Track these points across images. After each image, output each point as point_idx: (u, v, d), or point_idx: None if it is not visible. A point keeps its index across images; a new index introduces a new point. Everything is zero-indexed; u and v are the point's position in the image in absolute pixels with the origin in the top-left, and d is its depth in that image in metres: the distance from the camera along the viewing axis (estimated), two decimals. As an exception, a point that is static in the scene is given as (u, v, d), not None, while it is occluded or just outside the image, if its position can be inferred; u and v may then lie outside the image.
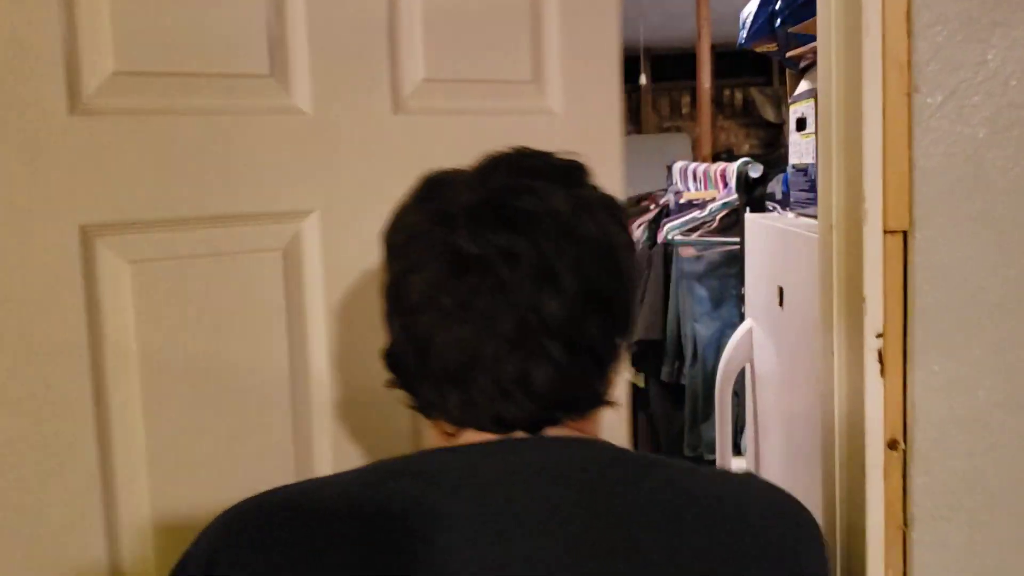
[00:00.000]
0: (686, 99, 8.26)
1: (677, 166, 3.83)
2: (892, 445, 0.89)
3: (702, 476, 0.70)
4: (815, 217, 1.71)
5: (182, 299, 0.94)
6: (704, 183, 3.35)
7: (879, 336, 0.87)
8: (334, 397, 1.06)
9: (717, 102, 8.08)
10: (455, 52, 1.15)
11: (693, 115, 8.21)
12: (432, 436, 0.72)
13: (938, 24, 0.83)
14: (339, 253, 1.06)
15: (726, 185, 3.08)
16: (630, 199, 4.06)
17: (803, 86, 1.77)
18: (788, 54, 1.64)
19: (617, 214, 0.70)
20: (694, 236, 2.97)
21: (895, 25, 0.83)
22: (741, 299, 2.86)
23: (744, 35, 1.73)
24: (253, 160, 1.00)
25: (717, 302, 2.99)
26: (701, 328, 2.99)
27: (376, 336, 0.96)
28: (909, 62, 0.84)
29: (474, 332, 0.63)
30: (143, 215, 0.92)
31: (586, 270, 0.65)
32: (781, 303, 1.58)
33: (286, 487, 0.68)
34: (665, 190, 4.00)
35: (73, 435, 0.87)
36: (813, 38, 1.67)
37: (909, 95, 0.84)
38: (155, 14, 0.92)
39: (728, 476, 0.72)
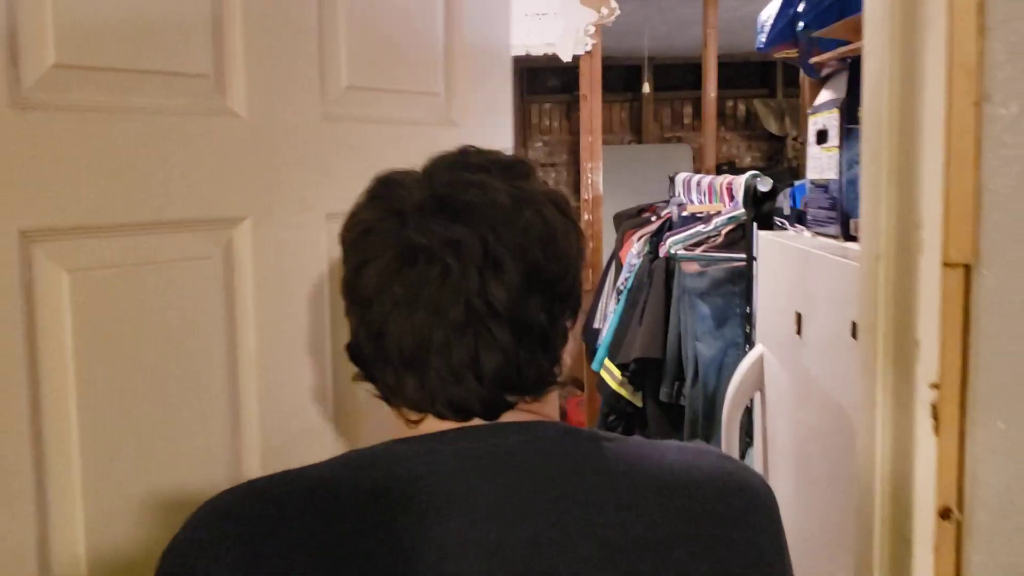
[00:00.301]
0: (688, 109, 8.14)
1: (680, 177, 3.70)
2: (945, 515, 0.76)
3: (654, 448, 0.74)
4: (835, 237, 1.59)
5: (120, 310, 0.91)
6: (709, 196, 3.22)
7: (934, 387, 0.74)
8: (267, 405, 1.07)
9: (719, 113, 7.95)
10: (376, 63, 1.21)
11: (695, 125, 8.09)
12: (396, 425, 0.75)
13: (1017, 20, 0.70)
14: (270, 260, 1.07)
15: (732, 199, 2.95)
16: (630, 210, 3.94)
17: (824, 95, 1.64)
18: (811, 60, 1.51)
19: (559, 203, 0.75)
20: (698, 251, 2.84)
21: (963, 20, 0.70)
22: (746, 318, 2.73)
23: (763, 40, 1.61)
24: (191, 164, 0.98)
25: (720, 321, 2.86)
26: (703, 348, 2.85)
27: (305, 340, 1.06)
28: (979, 65, 0.71)
29: (425, 319, 0.67)
30: (84, 220, 0.88)
31: (528, 256, 0.69)
32: (799, 331, 1.44)
33: (267, 477, 0.71)
34: (667, 201, 3.87)
35: (5, 450, 0.82)
36: (838, 43, 1.55)
37: (978, 104, 0.71)
38: (98, 5, 0.88)
39: (683, 448, 0.76)
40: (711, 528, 0.69)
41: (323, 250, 1.17)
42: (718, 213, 2.95)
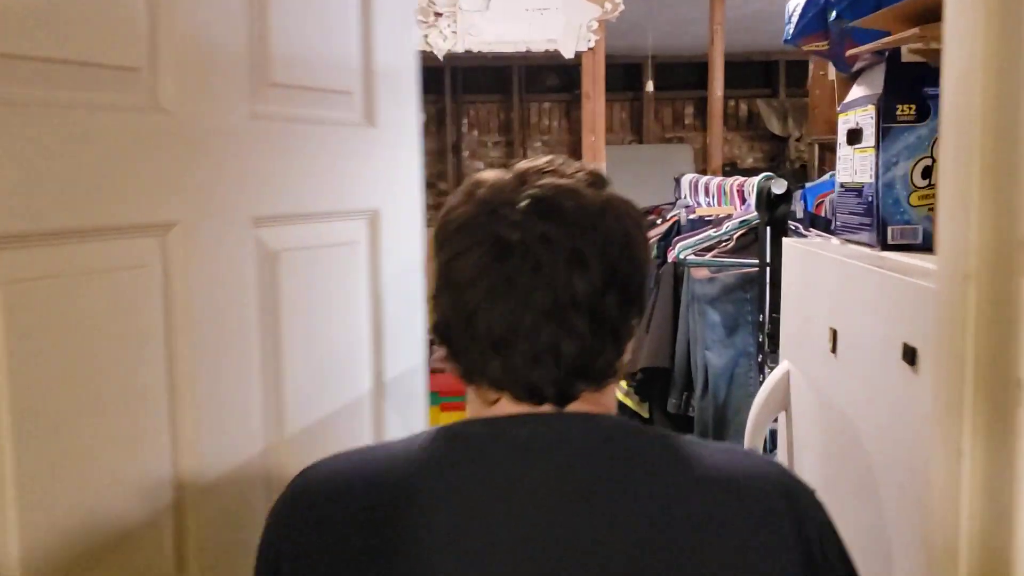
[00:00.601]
0: (689, 109, 8.02)
1: (686, 179, 3.58)
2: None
3: (703, 447, 0.81)
4: (870, 246, 1.46)
5: (54, 326, 0.88)
6: (718, 198, 3.10)
7: (1040, 436, 0.61)
8: (205, 417, 1.05)
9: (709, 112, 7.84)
10: (300, 60, 1.20)
11: (696, 125, 7.98)
12: (474, 404, 0.82)
13: None
14: (203, 268, 1.04)
15: (744, 201, 2.83)
16: (634, 212, 3.80)
17: (857, 92, 1.51)
18: (848, 52, 1.38)
19: (633, 214, 0.82)
20: (708, 256, 2.71)
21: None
22: (759, 326, 2.61)
23: (790, 31, 1.48)
24: (121, 164, 0.93)
25: (731, 329, 2.74)
26: (713, 357, 2.73)
27: (238, 350, 1.13)
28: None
29: (515, 305, 0.75)
30: (11, 227, 0.83)
31: (608, 257, 0.77)
32: (834, 348, 1.32)
33: (347, 454, 0.84)
34: (672, 203, 3.75)
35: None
36: (875, 35, 1.42)
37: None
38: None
39: (732, 449, 0.84)
40: (750, 525, 0.75)
41: (251, 256, 1.13)
42: (728, 216, 2.82)
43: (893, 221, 1.38)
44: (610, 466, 0.77)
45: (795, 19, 1.49)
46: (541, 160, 0.84)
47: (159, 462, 1.01)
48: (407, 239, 1.48)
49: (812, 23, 1.47)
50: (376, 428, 1.40)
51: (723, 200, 3.07)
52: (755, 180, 2.65)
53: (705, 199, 3.27)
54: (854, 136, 1.49)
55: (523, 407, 0.79)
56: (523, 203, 0.77)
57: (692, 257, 2.68)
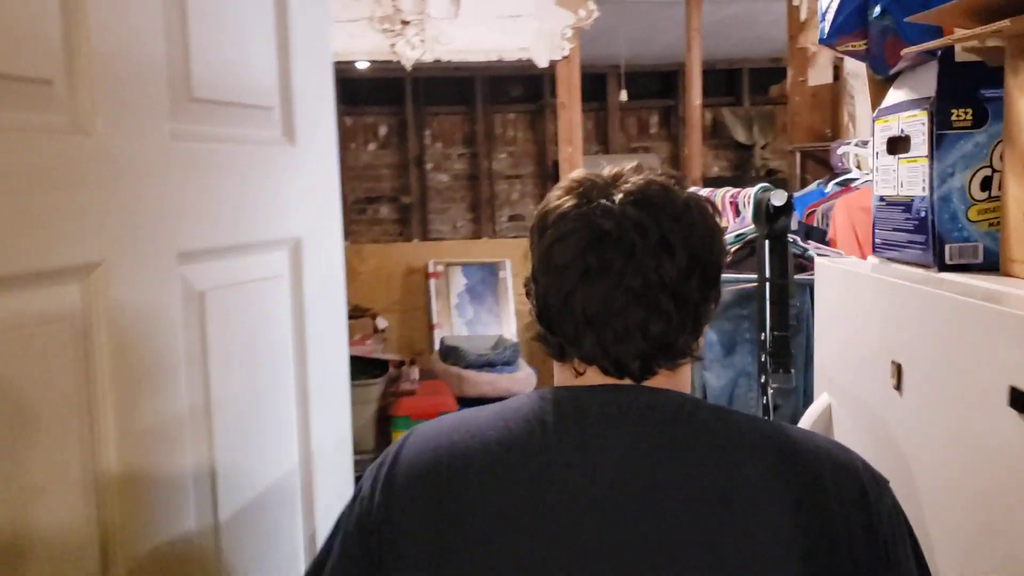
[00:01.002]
0: (655, 119, 7.94)
1: (668, 190, 3.45)
2: None
3: (767, 422, 0.90)
4: (924, 266, 1.32)
5: None
6: (707, 210, 2.97)
7: None
8: (129, 484, 0.94)
9: (685, 121, 7.76)
10: (220, 73, 1.11)
11: (662, 135, 7.89)
12: (561, 376, 0.92)
13: None
14: (127, 313, 0.93)
15: (738, 214, 2.70)
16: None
17: (898, 95, 1.38)
18: (903, 51, 1.24)
19: (711, 210, 0.92)
20: (704, 272, 2.57)
21: None
22: (760, 345, 2.48)
23: (826, 29, 1.34)
24: (40, 197, 0.80)
25: (729, 348, 2.61)
26: (711, 377, 2.60)
27: (168, 407, 0.99)
28: None
29: (609, 287, 0.85)
30: None
31: (692, 245, 0.86)
32: (898, 385, 1.17)
33: (450, 418, 0.94)
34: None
35: None
36: (924, 33, 1.29)
37: None
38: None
39: (792, 427, 0.90)
40: (800, 492, 0.81)
41: (177, 298, 1.01)
42: (724, 229, 2.69)
43: (951, 239, 1.25)
44: (678, 432, 0.85)
45: (829, 17, 1.35)
46: (630, 164, 0.93)
47: (81, 520, 0.91)
48: (329, 268, 1.37)
49: (849, 21, 1.33)
50: (305, 480, 1.31)
51: (713, 212, 2.94)
52: (751, 191, 2.51)
53: (691, 211, 3.14)
54: (898, 144, 1.35)
55: (608, 379, 0.89)
56: (618, 196, 0.87)
57: (688, 274, 2.54)
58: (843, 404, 1.39)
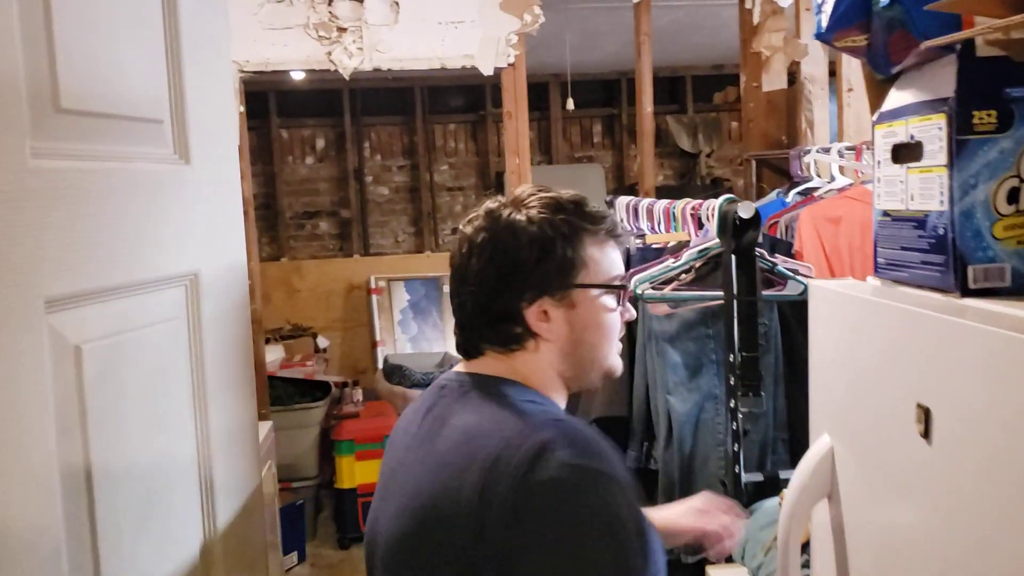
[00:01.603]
0: (598, 127, 7.82)
1: (622, 201, 3.28)
2: None
3: (487, 410, 1.11)
4: (945, 291, 1.15)
5: None
6: (666, 223, 2.81)
7: None
8: None
9: (628, 130, 7.66)
10: (95, 80, 0.94)
11: (606, 144, 7.78)
12: None
13: None
14: None
15: (701, 226, 2.55)
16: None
17: (903, 96, 1.22)
18: (926, 45, 1.08)
19: (500, 226, 1.17)
20: (667, 290, 2.41)
21: None
22: (728, 366, 2.32)
23: (823, 23, 1.18)
24: None
25: (694, 370, 2.45)
26: (676, 402, 2.43)
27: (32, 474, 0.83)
28: None
29: (452, 290, 1.21)
30: None
31: (482, 251, 1.17)
32: (927, 432, 1.00)
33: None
34: (606, 229, 3.46)
35: None
36: (946, 27, 1.14)
37: None
38: None
39: (502, 416, 1.09)
40: (482, 466, 1.01)
41: (45, 354, 0.82)
42: (686, 244, 2.54)
43: (974, 259, 1.09)
44: (455, 404, 1.13)
45: (828, 8, 1.19)
46: (529, 188, 1.23)
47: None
48: (233, 306, 1.18)
49: (849, 13, 1.18)
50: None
51: (672, 225, 2.79)
52: (715, 203, 2.36)
53: (648, 224, 2.99)
54: (905, 152, 1.20)
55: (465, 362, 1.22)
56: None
57: (651, 292, 2.37)
58: (851, 449, 1.22)
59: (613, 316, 1.21)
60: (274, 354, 5.63)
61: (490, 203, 1.21)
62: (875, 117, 1.28)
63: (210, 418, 1.10)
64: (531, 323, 1.16)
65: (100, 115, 0.94)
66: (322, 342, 6.50)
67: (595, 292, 1.19)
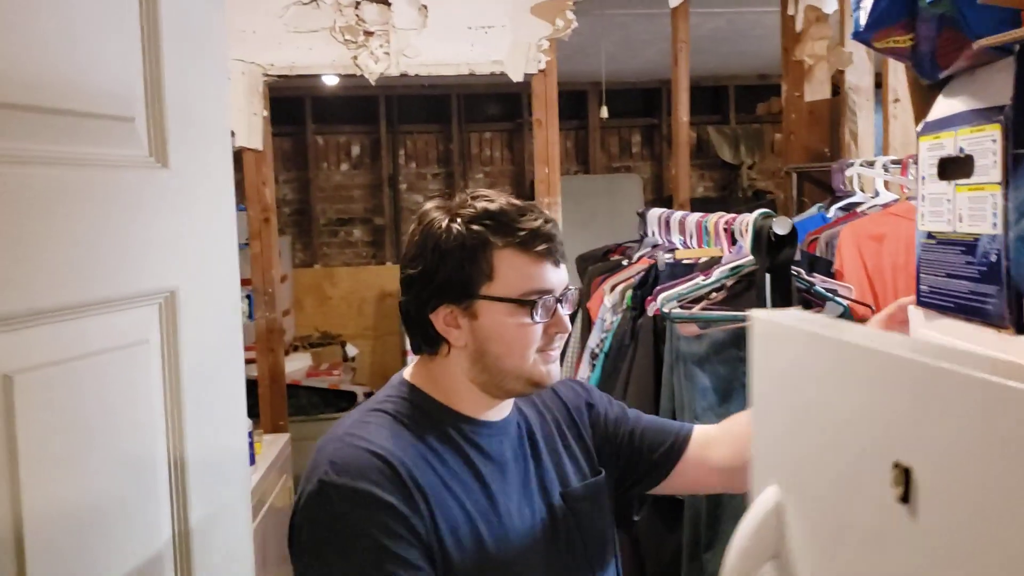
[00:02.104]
0: (637, 138, 7.68)
1: (653, 214, 3.14)
2: None
3: (342, 426, 1.18)
4: (997, 326, 0.99)
5: None
6: (698, 237, 2.67)
7: None
8: None
9: (668, 140, 7.50)
10: (43, 68, 0.82)
11: (644, 154, 7.64)
12: None
13: None
14: None
15: (734, 242, 2.41)
16: (595, 251, 3.36)
17: (951, 105, 1.09)
18: (979, 44, 0.95)
19: (429, 227, 1.23)
20: (696, 308, 2.28)
21: None
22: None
23: (862, 21, 1.05)
24: None
25: (725, 394, 2.30)
26: (704, 428, 2.29)
27: None
28: None
29: None
30: None
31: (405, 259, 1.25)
32: (906, 497, 0.79)
33: None
34: (637, 242, 3.32)
35: None
36: (1003, 25, 1.00)
37: None
38: None
39: (338, 436, 1.15)
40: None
41: None
42: (717, 260, 2.40)
43: (1033, 290, 0.95)
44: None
45: (867, 5, 1.06)
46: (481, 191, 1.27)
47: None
48: (220, 326, 1.05)
49: (892, 10, 1.05)
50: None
51: (704, 240, 2.65)
52: (749, 218, 2.22)
53: (680, 238, 2.85)
54: (953, 167, 1.06)
55: None
56: None
57: (678, 311, 2.24)
58: (803, 507, 1.00)
59: (524, 329, 1.21)
60: (301, 362, 5.56)
61: (432, 203, 1.26)
62: (920, 128, 1.15)
63: (186, 462, 0.99)
64: (439, 328, 1.21)
65: (47, 110, 0.83)
66: (351, 350, 6.42)
67: (500, 304, 1.19)
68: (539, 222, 1.23)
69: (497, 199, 1.24)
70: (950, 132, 1.07)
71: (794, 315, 0.99)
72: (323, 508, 1.07)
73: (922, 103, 1.16)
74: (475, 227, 1.19)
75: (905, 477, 0.77)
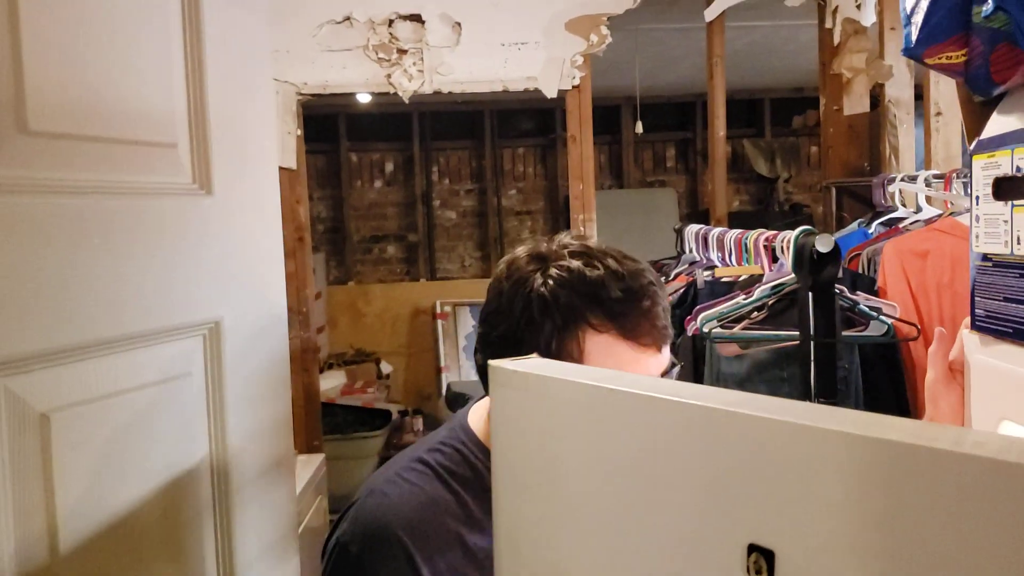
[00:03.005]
0: (671, 152, 7.63)
1: (691, 230, 3.11)
2: None
3: (387, 470, 1.11)
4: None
5: None
6: (737, 255, 2.63)
7: None
8: None
9: (703, 154, 7.46)
10: (86, 94, 0.80)
11: (678, 168, 7.59)
12: None
13: None
14: None
15: (775, 259, 2.37)
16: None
17: (1006, 123, 1.05)
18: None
19: (503, 285, 1.09)
20: (737, 328, 2.23)
21: None
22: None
23: (913, 36, 1.02)
24: None
25: (766, 415, 2.26)
26: (745, 450, 2.24)
27: None
28: None
29: None
30: None
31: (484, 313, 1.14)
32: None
33: None
34: (675, 258, 3.28)
35: None
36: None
37: None
38: None
39: (374, 490, 1.08)
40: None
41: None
42: (758, 278, 2.36)
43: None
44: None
45: (918, 20, 1.02)
46: (570, 238, 1.13)
47: None
48: (267, 357, 1.02)
49: (944, 25, 1.01)
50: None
51: (743, 257, 2.61)
52: (790, 235, 2.18)
53: (717, 254, 2.81)
54: (1010, 187, 1.02)
55: None
56: None
57: (719, 330, 2.20)
58: None
59: None
60: (335, 380, 5.56)
61: (524, 249, 1.12)
62: (972, 146, 1.11)
63: (231, 500, 0.96)
64: None
65: (86, 138, 0.81)
66: (385, 367, 6.42)
67: None
68: (647, 303, 1.03)
69: (598, 260, 1.04)
70: (1006, 151, 1.03)
71: (535, 364, 0.77)
72: (337, 566, 1.04)
73: (974, 120, 1.12)
74: (568, 298, 1.02)
75: (768, 564, 0.56)
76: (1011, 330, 1.03)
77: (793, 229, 2.19)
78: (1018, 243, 1.01)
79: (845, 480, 0.50)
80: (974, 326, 1.12)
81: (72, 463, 0.77)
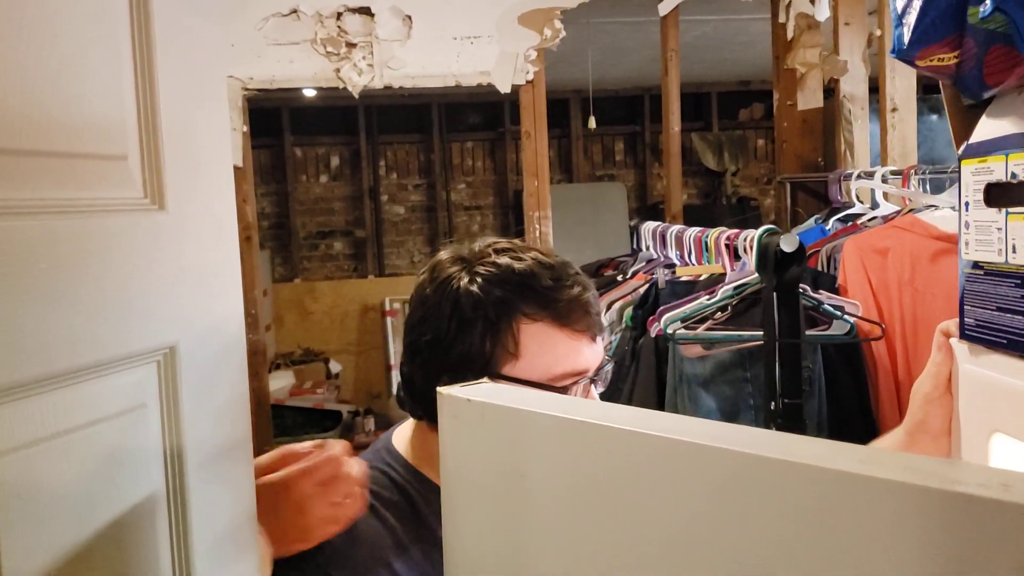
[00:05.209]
0: (620, 145, 7.62)
1: (647, 227, 3.07)
2: None
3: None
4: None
5: None
6: (697, 253, 2.60)
7: None
8: None
9: (652, 148, 7.46)
10: (25, 103, 0.73)
11: (627, 162, 7.58)
12: None
13: None
14: None
15: (737, 259, 2.34)
16: (587, 266, 3.28)
17: (996, 127, 1.02)
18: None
19: (426, 290, 1.07)
20: (701, 329, 2.20)
21: None
22: (770, 414, 2.11)
23: (905, 37, 0.98)
24: None
25: (731, 416, 2.23)
26: (709, 452, 2.22)
27: None
28: None
29: None
30: None
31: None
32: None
33: None
34: (630, 256, 3.25)
35: None
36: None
37: None
38: None
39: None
40: None
41: None
42: (720, 278, 2.33)
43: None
44: None
45: (911, 21, 0.98)
46: (501, 242, 1.11)
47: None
48: (226, 380, 0.95)
49: (939, 25, 0.97)
50: None
51: (703, 256, 2.58)
52: (753, 234, 2.15)
53: (676, 253, 2.78)
54: (1002, 193, 0.99)
55: None
56: None
57: (683, 331, 2.16)
58: None
59: None
60: (284, 380, 5.45)
61: (446, 253, 1.09)
62: (961, 150, 1.07)
63: (191, 542, 0.89)
64: None
65: (26, 152, 0.73)
66: (334, 367, 6.31)
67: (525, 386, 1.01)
68: (577, 290, 1.05)
69: (524, 255, 1.07)
70: (999, 156, 1.00)
71: (487, 390, 0.75)
72: None
73: (962, 123, 1.08)
74: (499, 292, 1.02)
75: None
76: (1005, 340, 1.00)
77: (744, 224, 2.17)
78: (1013, 252, 0.98)
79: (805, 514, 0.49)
80: (963, 335, 1.09)
81: (13, 512, 0.69)
